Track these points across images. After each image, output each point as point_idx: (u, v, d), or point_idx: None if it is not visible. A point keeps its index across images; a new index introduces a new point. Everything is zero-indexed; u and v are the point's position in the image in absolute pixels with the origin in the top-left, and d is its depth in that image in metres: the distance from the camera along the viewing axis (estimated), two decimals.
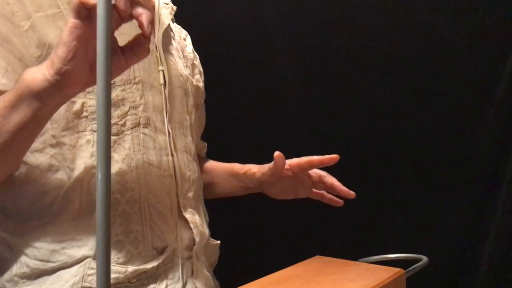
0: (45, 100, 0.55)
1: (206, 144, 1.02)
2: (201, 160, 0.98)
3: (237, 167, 0.94)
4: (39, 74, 0.53)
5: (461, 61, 1.10)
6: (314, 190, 0.90)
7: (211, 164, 1.01)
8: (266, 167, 0.87)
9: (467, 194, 1.12)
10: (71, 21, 0.50)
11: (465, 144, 1.11)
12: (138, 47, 0.56)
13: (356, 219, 1.18)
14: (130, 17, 0.52)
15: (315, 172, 0.89)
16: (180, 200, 0.76)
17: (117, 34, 0.55)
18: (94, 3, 0.48)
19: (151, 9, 0.80)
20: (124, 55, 0.56)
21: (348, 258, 0.73)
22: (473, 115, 1.10)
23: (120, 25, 0.54)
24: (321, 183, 0.89)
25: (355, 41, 1.17)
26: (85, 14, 0.49)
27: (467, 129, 1.11)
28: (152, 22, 0.53)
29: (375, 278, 0.61)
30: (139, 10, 0.52)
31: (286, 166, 0.84)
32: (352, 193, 0.86)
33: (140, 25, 0.52)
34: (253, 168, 0.91)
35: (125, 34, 0.57)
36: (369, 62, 1.17)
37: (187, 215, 0.77)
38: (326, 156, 0.80)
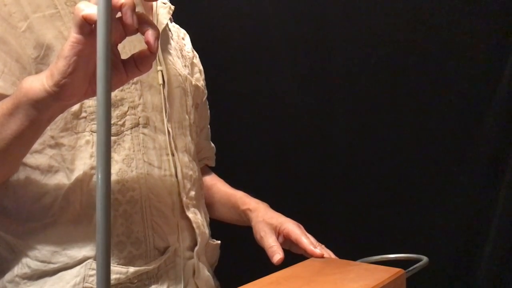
0: (42, 109, 0.55)
1: (214, 148, 1.01)
2: (203, 171, 0.97)
3: (239, 200, 0.91)
4: (37, 84, 0.53)
5: (461, 60, 1.10)
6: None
7: (213, 182, 0.99)
8: (259, 226, 0.83)
9: (467, 194, 1.12)
10: (74, 36, 0.49)
11: (465, 144, 1.11)
12: (142, 61, 0.55)
13: (356, 219, 1.18)
14: (136, 31, 0.52)
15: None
16: (183, 199, 0.76)
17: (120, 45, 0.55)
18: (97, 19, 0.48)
19: (149, 9, 0.80)
20: (126, 69, 0.55)
21: (348, 258, 0.73)
22: (473, 115, 1.10)
23: (125, 37, 0.53)
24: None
25: (356, 41, 1.17)
26: (88, 29, 0.49)
27: (467, 129, 1.11)
28: (158, 38, 0.52)
29: (375, 278, 0.61)
30: (146, 26, 0.51)
31: (277, 238, 0.81)
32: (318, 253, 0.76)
33: (147, 41, 0.52)
34: (252, 212, 0.87)
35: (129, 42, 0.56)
36: (369, 62, 1.17)
37: (190, 215, 0.77)
38: (314, 251, 0.75)
